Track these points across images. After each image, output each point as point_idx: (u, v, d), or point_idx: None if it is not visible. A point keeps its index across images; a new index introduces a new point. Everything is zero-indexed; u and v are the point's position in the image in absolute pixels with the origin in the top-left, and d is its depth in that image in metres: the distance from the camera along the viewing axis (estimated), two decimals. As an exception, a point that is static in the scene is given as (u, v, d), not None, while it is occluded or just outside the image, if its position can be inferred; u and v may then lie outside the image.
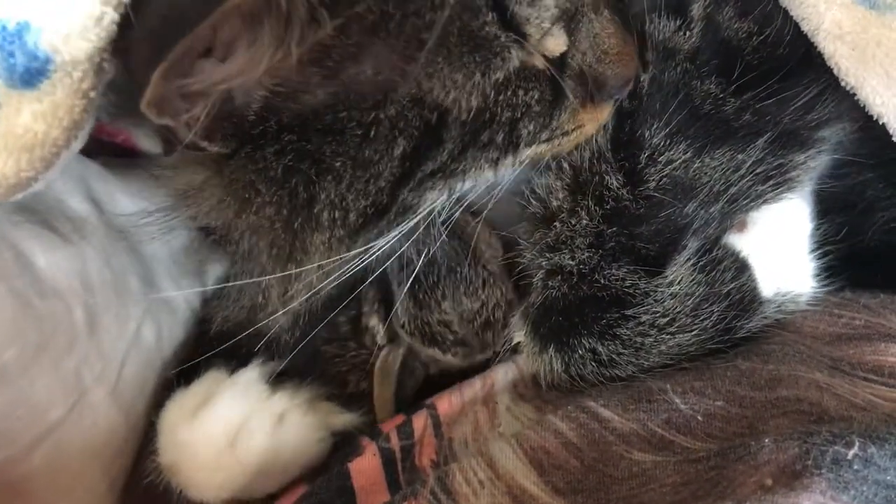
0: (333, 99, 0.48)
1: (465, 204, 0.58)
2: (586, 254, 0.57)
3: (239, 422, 0.59)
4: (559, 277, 0.58)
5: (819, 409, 0.48)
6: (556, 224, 0.59)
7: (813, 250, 0.61)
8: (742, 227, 0.60)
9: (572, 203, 0.58)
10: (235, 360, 0.62)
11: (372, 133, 0.49)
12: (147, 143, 0.65)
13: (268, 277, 0.55)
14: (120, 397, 0.61)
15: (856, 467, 0.40)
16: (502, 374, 0.64)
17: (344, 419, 0.64)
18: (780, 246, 0.61)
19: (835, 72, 0.53)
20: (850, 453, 0.40)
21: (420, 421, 0.61)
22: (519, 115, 0.53)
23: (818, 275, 0.61)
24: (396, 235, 0.55)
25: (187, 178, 0.54)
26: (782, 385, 0.51)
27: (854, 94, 0.53)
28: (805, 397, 0.49)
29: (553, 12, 0.51)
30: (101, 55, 0.44)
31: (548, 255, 0.59)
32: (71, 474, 0.58)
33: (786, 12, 0.55)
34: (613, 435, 0.51)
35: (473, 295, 0.66)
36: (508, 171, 0.57)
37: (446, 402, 0.62)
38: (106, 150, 0.65)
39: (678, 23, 0.58)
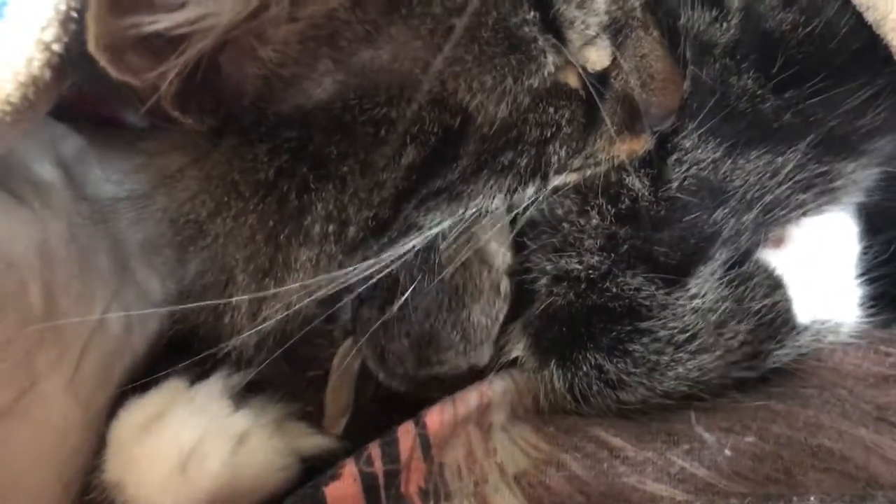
0: (342, 88, 0.43)
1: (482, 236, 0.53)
2: (596, 258, 0.52)
3: (193, 442, 0.53)
4: (565, 283, 0.53)
5: (867, 475, 0.44)
6: (564, 224, 0.53)
7: (860, 275, 0.55)
8: (779, 242, 0.55)
9: (581, 202, 0.53)
10: (197, 363, 0.55)
11: (382, 133, 0.44)
12: (133, 115, 0.60)
13: (236, 299, 0.48)
14: (78, 390, 0.55)
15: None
16: (500, 393, 0.57)
17: (314, 442, 0.58)
18: (821, 267, 0.56)
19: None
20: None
21: (407, 440, 0.55)
22: (549, 136, 0.47)
23: (863, 303, 0.55)
24: (391, 256, 0.49)
25: (164, 162, 0.48)
26: (823, 433, 0.47)
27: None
28: (850, 457, 0.45)
29: (602, 19, 0.46)
30: (69, 2, 0.39)
31: (553, 257, 0.54)
32: (14, 473, 0.52)
33: (843, 2, 0.51)
34: (625, 465, 0.47)
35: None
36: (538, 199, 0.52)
37: (437, 419, 0.56)
38: (87, 120, 0.61)
39: (714, 14, 0.54)
